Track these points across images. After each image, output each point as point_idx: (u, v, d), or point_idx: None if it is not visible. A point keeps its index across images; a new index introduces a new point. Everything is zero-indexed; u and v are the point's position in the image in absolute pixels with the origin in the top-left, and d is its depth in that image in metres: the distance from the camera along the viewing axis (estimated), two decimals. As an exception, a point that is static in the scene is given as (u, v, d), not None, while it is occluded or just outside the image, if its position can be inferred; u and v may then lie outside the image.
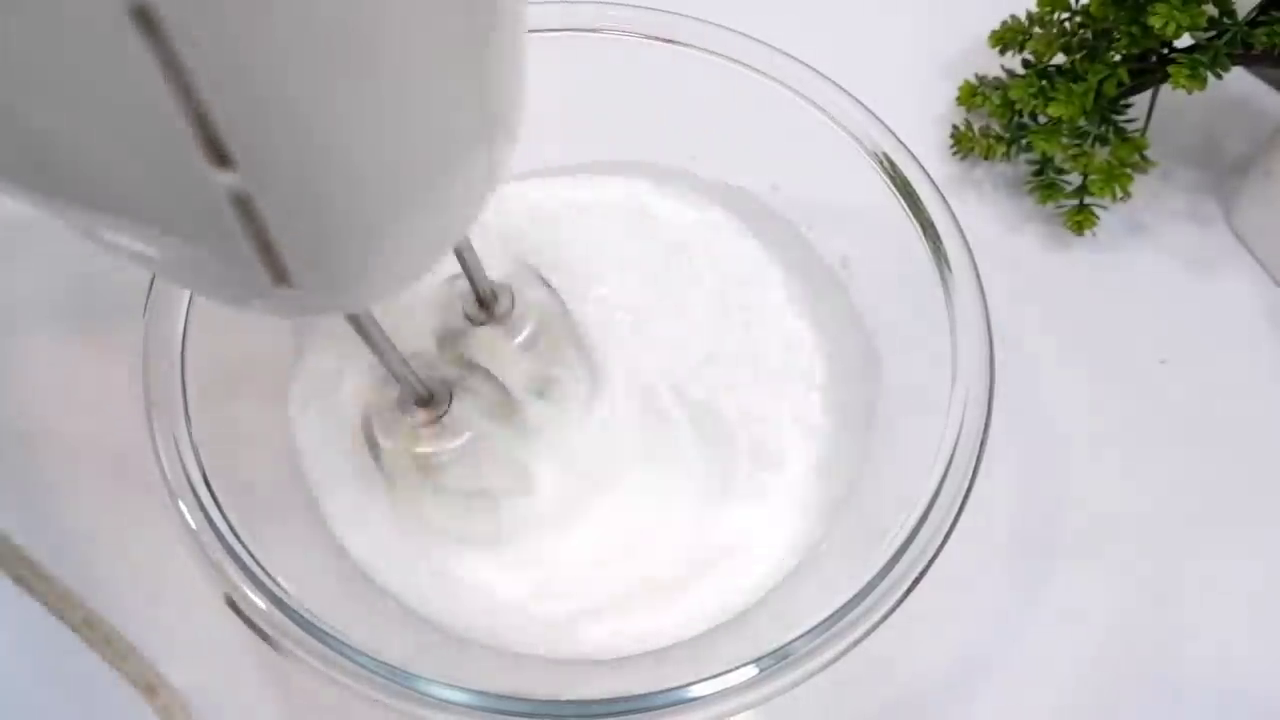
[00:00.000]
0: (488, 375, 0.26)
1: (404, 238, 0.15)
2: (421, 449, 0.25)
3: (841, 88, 0.29)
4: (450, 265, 0.25)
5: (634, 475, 0.28)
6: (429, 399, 0.25)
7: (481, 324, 0.27)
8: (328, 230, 0.14)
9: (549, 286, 0.29)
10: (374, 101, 0.13)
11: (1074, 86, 0.35)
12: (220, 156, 0.12)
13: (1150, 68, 0.35)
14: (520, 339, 0.27)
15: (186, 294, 0.25)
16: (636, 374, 0.30)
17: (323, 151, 0.13)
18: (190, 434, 0.24)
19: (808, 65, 0.29)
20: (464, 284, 0.26)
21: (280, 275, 0.14)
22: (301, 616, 0.22)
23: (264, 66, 0.11)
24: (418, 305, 0.28)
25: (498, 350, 0.27)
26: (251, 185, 0.12)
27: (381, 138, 0.13)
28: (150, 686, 0.19)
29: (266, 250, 0.13)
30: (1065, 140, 0.35)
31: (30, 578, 0.18)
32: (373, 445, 0.27)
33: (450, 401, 0.25)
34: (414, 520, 0.27)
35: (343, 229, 0.14)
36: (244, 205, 0.12)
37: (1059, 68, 0.36)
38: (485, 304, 0.27)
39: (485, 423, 0.26)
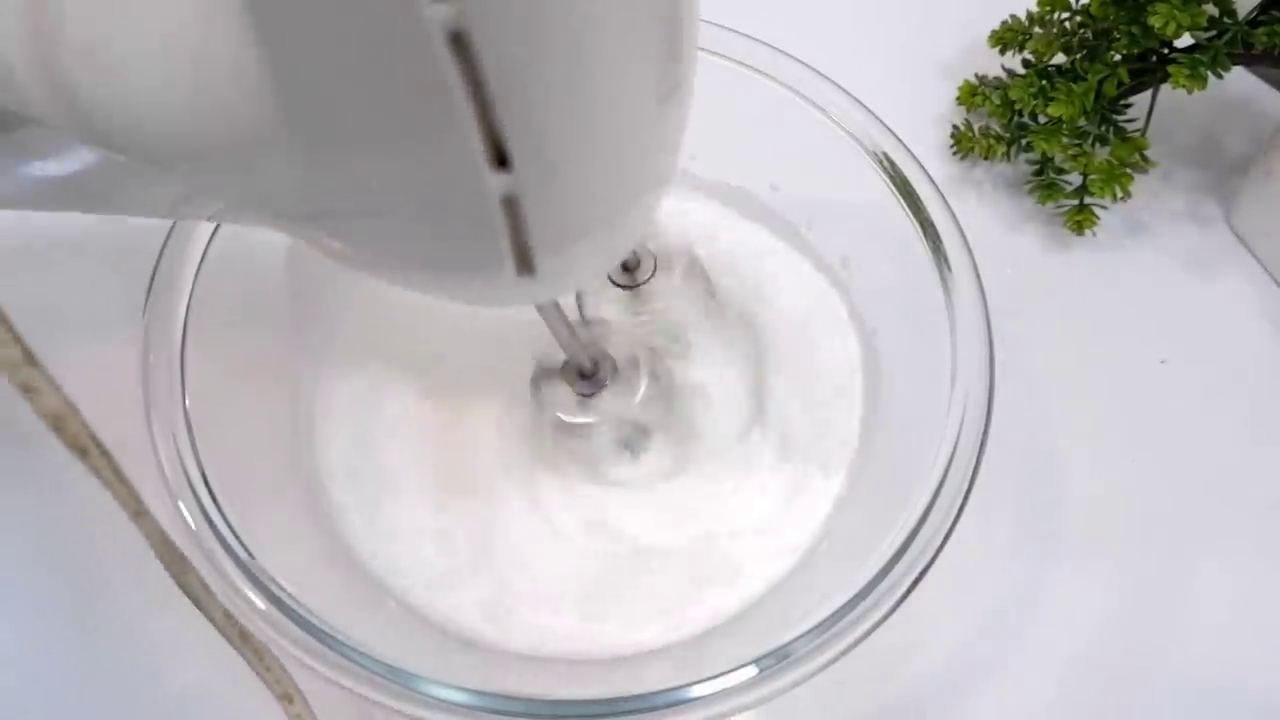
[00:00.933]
0: (629, 333, 0.28)
1: (630, 225, 0.17)
2: (617, 406, 0.26)
3: (841, 88, 0.29)
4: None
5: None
6: (596, 368, 0.26)
7: (628, 287, 0.28)
8: (575, 224, 0.16)
9: (694, 258, 0.29)
10: (621, 109, 0.15)
11: (1074, 86, 0.35)
12: (501, 159, 0.13)
13: (1150, 67, 0.35)
14: (677, 274, 0.28)
15: (186, 294, 0.25)
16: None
17: (582, 155, 0.14)
18: (190, 434, 0.24)
19: (808, 65, 0.29)
20: None
21: (526, 266, 0.15)
22: (301, 616, 0.22)
23: (548, 79, 0.13)
24: None
25: (631, 312, 0.28)
26: (522, 185, 0.14)
27: (624, 141, 0.15)
28: (288, 695, 0.20)
29: (521, 245, 0.15)
30: (1065, 140, 0.35)
31: (204, 595, 0.18)
32: (563, 431, 0.28)
33: (613, 362, 0.26)
34: (605, 476, 0.29)
35: (586, 222, 0.16)
36: (512, 204, 0.14)
37: (1059, 68, 0.36)
38: (628, 267, 0.28)
39: (649, 365, 0.27)
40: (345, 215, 0.16)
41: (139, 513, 0.17)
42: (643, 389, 0.26)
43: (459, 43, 0.11)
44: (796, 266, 0.32)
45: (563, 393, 0.26)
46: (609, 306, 0.28)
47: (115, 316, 0.28)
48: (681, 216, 0.32)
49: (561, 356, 0.26)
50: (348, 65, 0.12)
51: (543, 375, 0.27)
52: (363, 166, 0.14)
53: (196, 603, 0.19)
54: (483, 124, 0.12)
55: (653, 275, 0.28)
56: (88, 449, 0.16)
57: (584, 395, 0.26)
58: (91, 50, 0.13)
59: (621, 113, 0.15)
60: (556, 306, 0.22)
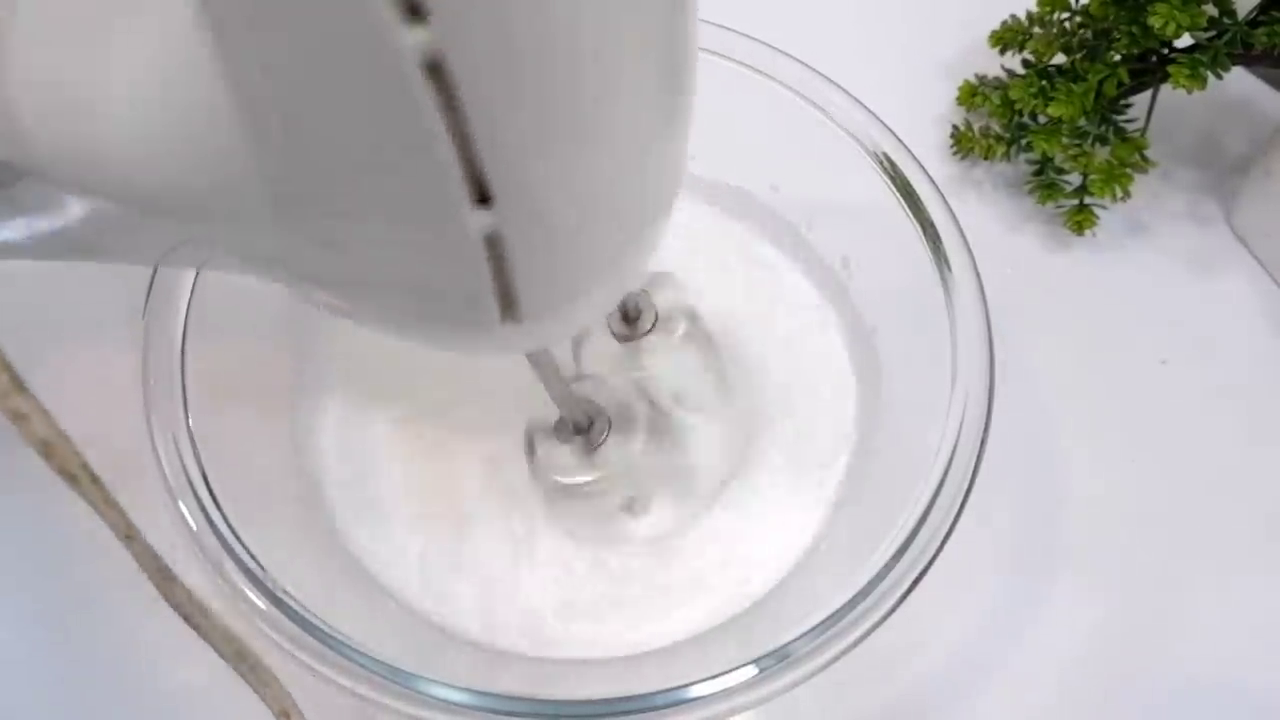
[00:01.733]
0: (623, 388, 0.27)
1: (620, 273, 0.17)
2: (568, 479, 0.26)
3: (841, 88, 0.29)
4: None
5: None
6: (590, 424, 0.25)
7: (626, 339, 0.27)
8: (559, 267, 0.15)
9: (692, 313, 0.28)
10: (610, 152, 0.14)
11: (1074, 86, 0.35)
12: (482, 196, 0.12)
13: (1150, 68, 0.35)
14: (679, 334, 0.27)
15: (187, 293, 0.25)
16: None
17: (566, 195, 0.14)
18: (190, 434, 0.24)
19: (808, 65, 0.29)
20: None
21: (510, 311, 0.15)
22: (301, 616, 0.22)
23: (532, 112, 0.12)
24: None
25: (629, 365, 0.27)
26: (505, 223, 0.13)
27: (612, 184, 0.14)
28: (285, 712, 0.20)
29: (505, 286, 0.14)
30: (1065, 140, 0.35)
31: (196, 614, 0.18)
32: (560, 494, 0.27)
33: (608, 419, 0.25)
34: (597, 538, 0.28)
35: (571, 266, 0.15)
36: (494, 243, 0.13)
37: (1059, 68, 0.36)
38: (628, 318, 0.27)
39: (632, 455, 0.26)
40: (327, 264, 0.15)
41: (130, 536, 0.17)
42: (640, 443, 0.26)
43: (435, 72, 0.11)
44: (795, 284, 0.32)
45: (557, 453, 0.25)
46: (605, 360, 0.27)
47: (115, 318, 0.28)
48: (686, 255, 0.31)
49: (548, 417, 0.25)
50: (321, 98, 0.11)
51: (537, 434, 0.26)
52: (341, 207, 0.13)
53: (187, 619, 0.18)
54: (462, 158, 0.12)
55: (652, 329, 0.27)
56: (77, 476, 0.16)
57: (580, 453, 0.25)
58: (48, 88, 0.12)
59: (614, 147, 0.14)
60: (549, 358, 0.22)
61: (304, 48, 0.11)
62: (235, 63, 0.12)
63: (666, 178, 0.16)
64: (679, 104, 0.15)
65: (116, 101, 0.12)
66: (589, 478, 0.25)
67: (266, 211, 0.13)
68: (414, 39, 0.10)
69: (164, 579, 0.18)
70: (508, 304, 0.15)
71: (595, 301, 0.17)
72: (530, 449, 0.26)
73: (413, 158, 0.12)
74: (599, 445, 0.25)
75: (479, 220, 0.13)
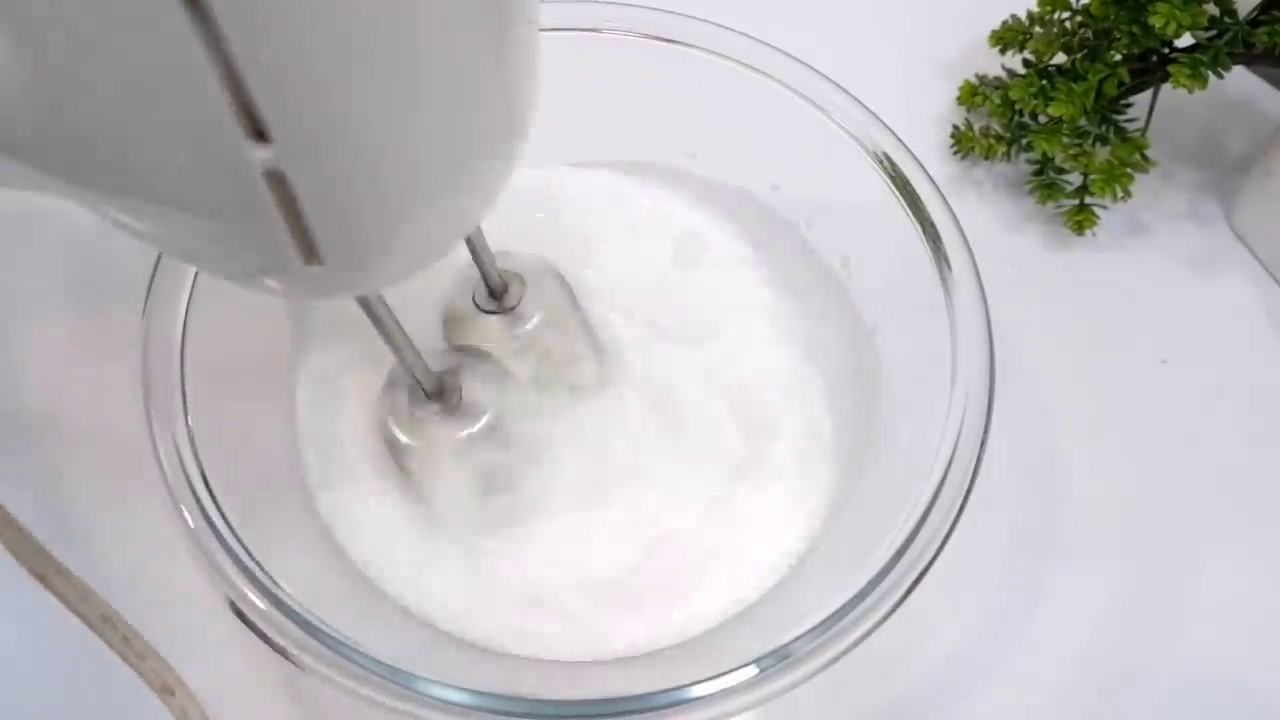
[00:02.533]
0: (495, 362, 0.27)
1: (425, 221, 0.16)
2: (444, 436, 0.25)
3: (842, 87, 0.29)
4: (462, 253, 0.25)
5: (636, 474, 0.29)
6: (440, 391, 0.25)
7: (490, 313, 0.27)
8: (355, 208, 0.14)
9: (560, 278, 0.29)
10: (403, 90, 0.13)
11: (1074, 86, 0.35)
12: (257, 131, 0.12)
13: (1151, 67, 0.35)
14: (528, 327, 0.27)
15: (187, 293, 0.25)
16: (638, 372, 0.30)
17: (353, 132, 0.13)
18: (190, 434, 0.24)
19: (808, 65, 0.29)
20: (475, 272, 0.26)
21: (310, 253, 0.14)
22: (301, 617, 0.22)
23: (298, 44, 0.12)
24: (430, 291, 0.28)
25: (503, 338, 0.27)
26: (285, 161, 0.13)
27: (408, 125, 0.14)
28: (167, 687, 0.19)
29: (298, 227, 0.14)
30: (1066, 140, 0.35)
31: (51, 574, 0.18)
32: (394, 447, 0.27)
33: (460, 391, 0.25)
34: (441, 516, 0.27)
35: (368, 208, 0.15)
36: (278, 181, 0.13)
37: (1059, 67, 0.36)
38: (495, 293, 0.27)
39: (500, 402, 0.26)
40: (117, 194, 0.14)
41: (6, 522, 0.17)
42: (533, 321, 0.26)
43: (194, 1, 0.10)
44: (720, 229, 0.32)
45: (400, 404, 0.25)
46: (482, 334, 0.27)
47: (116, 313, 0.28)
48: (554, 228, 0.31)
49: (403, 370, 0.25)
50: (89, 22, 0.11)
51: (392, 382, 0.25)
52: (119, 141, 0.13)
53: (60, 596, 0.18)
54: (230, 89, 0.11)
55: (520, 300, 0.27)
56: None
57: (427, 415, 0.25)
58: None
59: (405, 83, 0.13)
60: (385, 313, 0.21)
61: None
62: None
63: (487, 120, 0.15)
64: (492, 40, 0.14)
65: None
66: (418, 442, 0.25)
67: (49, 149, 0.13)
68: None
69: (33, 556, 0.17)
70: (306, 245, 0.14)
71: (414, 248, 0.16)
72: (392, 443, 0.26)
73: (183, 93, 0.12)
74: (457, 402, 0.25)
75: (258, 155, 0.12)
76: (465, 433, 0.25)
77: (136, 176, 0.13)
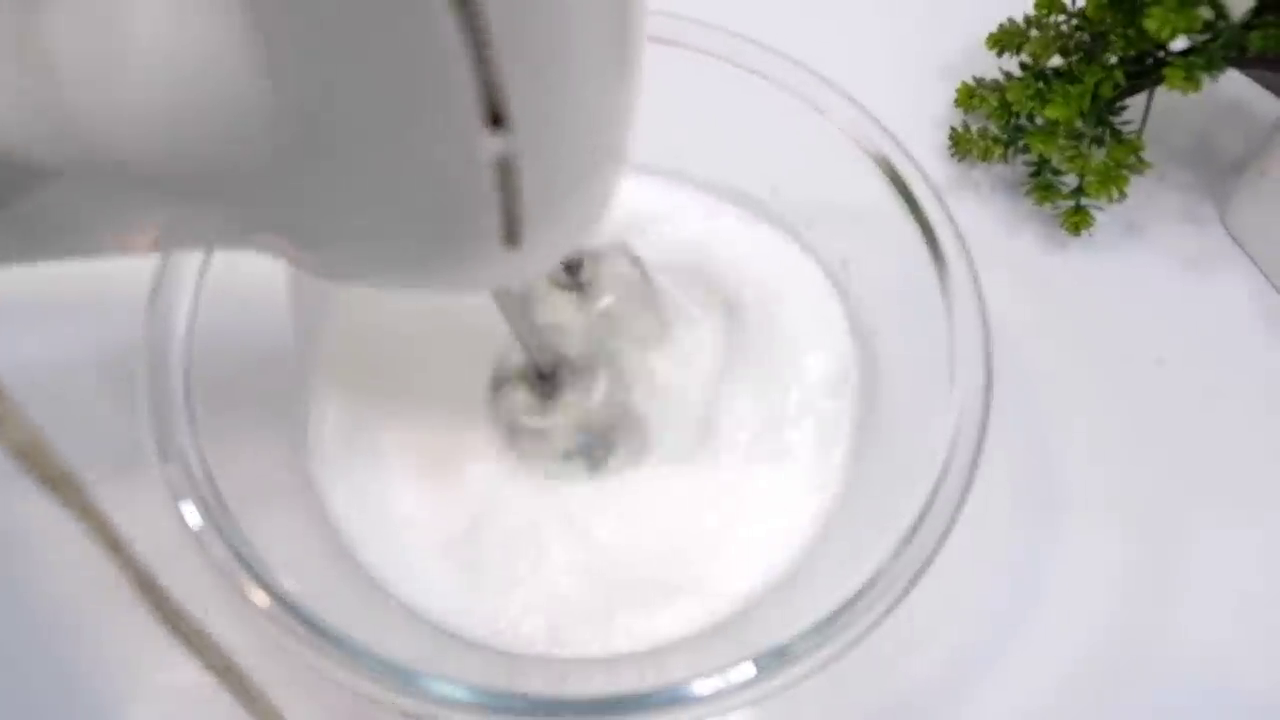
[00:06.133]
0: (580, 335, 0.27)
1: (604, 193, 0.17)
2: (569, 413, 0.26)
3: (840, 90, 0.29)
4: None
5: (664, 468, 0.29)
6: (553, 370, 0.25)
7: (564, 288, 0.28)
8: (573, 190, 0.15)
9: (632, 254, 0.29)
10: (612, 60, 0.14)
11: (1070, 89, 0.35)
12: (496, 119, 0.12)
13: (1146, 70, 0.35)
14: (600, 306, 0.28)
15: (187, 293, 0.25)
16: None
17: (574, 118, 0.14)
18: (191, 433, 0.24)
19: (807, 68, 0.29)
20: None
21: (513, 237, 0.15)
22: (304, 615, 0.22)
23: (546, 37, 0.12)
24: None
25: (576, 315, 0.28)
26: (518, 146, 0.13)
27: (618, 107, 0.15)
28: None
29: (512, 212, 0.14)
30: (1062, 142, 0.35)
31: (183, 627, 0.18)
32: (517, 433, 0.27)
33: (568, 365, 0.26)
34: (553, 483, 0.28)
35: (584, 188, 0.15)
36: (505, 168, 0.13)
37: (1056, 70, 0.36)
38: (571, 269, 0.27)
39: (601, 371, 0.27)
40: (327, 198, 0.14)
41: (116, 546, 0.17)
42: (601, 391, 0.26)
43: None
44: (766, 238, 0.32)
45: (520, 397, 0.26)
46: (558, 312, 0.28)
47: (116, 312, 0.28)
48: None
49: (517, 361, 0.26)
50: (336, 23, 0.11)
51: (502, 379, 0.26)
52: (351, 133, 0.13)
53: (174, 632, 0.18)
54: (479, 78, 0.12)
55: (594, 276, 0.28)
56: (58, 482, 0.16)
57: (542, 398, 0.26)
58: (82, 32, 0.12)
59: (600, 73, 0.14)
60: (521, 300, 0.22)
61: None
62: None
63: (631, 108, 0.16)
64: (637, 40, 0.15)
65: (141, 39, 0.12)
66: (549, 423, 0.26)
67: (270, 153, 0.13)
68: None
69: (148, 590, 0.17)
70: (512, 230, 0.15)
71: (581, 226, 0.17)
72: (494, 391, 0.26)
73: (428, 81, 0.12)
74: (561, 391, 0.25)
75: (492, 144, 0.13)
76: (583, 405, 0.26)
77: (364, 187, 0.14)
